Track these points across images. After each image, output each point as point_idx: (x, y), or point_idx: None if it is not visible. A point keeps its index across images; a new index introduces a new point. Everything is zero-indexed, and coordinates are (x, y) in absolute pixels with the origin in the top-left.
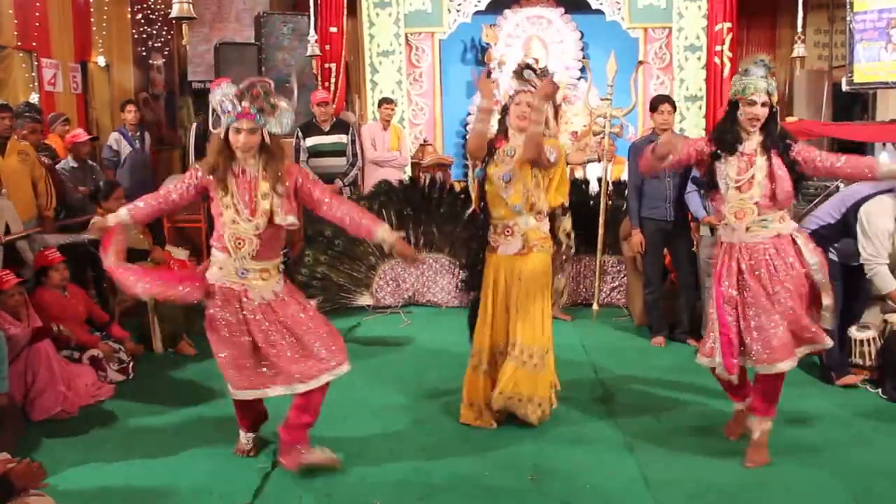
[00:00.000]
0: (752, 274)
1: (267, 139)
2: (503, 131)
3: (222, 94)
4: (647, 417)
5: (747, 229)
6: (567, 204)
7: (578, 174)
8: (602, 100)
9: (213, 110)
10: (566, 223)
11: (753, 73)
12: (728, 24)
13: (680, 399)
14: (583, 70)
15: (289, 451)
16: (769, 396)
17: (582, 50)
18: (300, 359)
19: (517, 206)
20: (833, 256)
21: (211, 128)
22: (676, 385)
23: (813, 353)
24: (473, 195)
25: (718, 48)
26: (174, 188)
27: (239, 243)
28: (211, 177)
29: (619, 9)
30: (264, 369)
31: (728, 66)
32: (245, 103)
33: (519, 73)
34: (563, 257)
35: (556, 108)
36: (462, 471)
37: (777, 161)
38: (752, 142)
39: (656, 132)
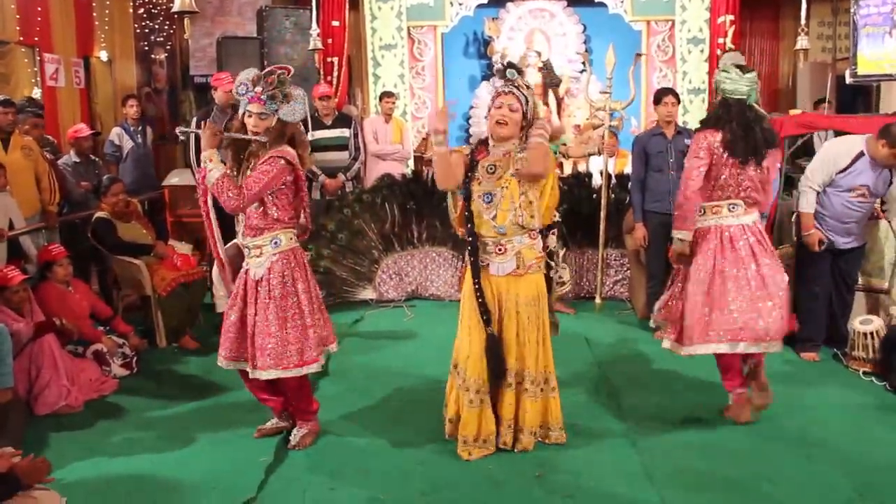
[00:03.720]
0: (745, 251)
1: (272, 123)
2: (484, 141)
3: (242, 79)
4: (651, 411)
5: (740, 214)
6: (557, 218)
7: (581, 167)
8: (601, 93)
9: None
10: (550, 241)
11: (748, 80)
12: (731, 17)
13: (683, 393)
14: (584, 63)
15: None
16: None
17: (584, 43)
18: (255, 344)
19: (501, 227)
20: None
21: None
22: (679, 379)
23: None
24: (455, 216)
25: (721, 40)
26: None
27: (237, 221)
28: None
29: (622, 1)
30: (244, 343)
31: None
32: (258, 88)
33: (502, 73)
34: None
35: (559, 102)
36: (466, 465)
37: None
38: None
39: (660, 125)
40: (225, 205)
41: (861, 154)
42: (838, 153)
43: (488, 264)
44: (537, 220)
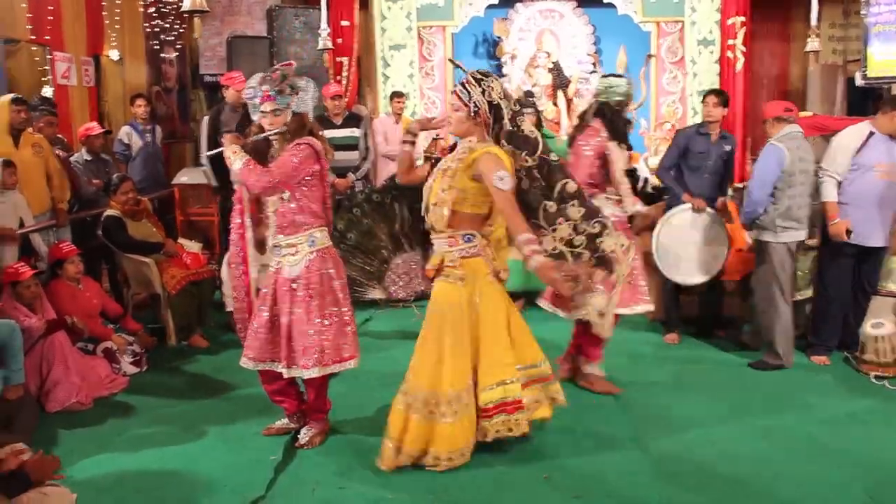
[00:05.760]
0: None
1: (287, 118)
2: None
3: (249, 85)
4: (658, 411)
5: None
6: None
7: None
8: None
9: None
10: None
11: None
12: (741, 18)
13: (690, 393)
14: (594, 64)
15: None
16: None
17: (594, 44)
18: (293, 343)
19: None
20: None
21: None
22: (686, 379)
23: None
24: None
25: (731, 42)
26: None
27: (268, 220)
28: None
29: (632, 2)
30: (275, 343)
31: (742, 60)
32: (265, 87)
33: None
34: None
35: (569, 103)
36: (474, 466)
37: None
38: None
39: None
40: (254, 186)
41: (871, 133)
42: (849, 138)
43: None
44: (443, 221)
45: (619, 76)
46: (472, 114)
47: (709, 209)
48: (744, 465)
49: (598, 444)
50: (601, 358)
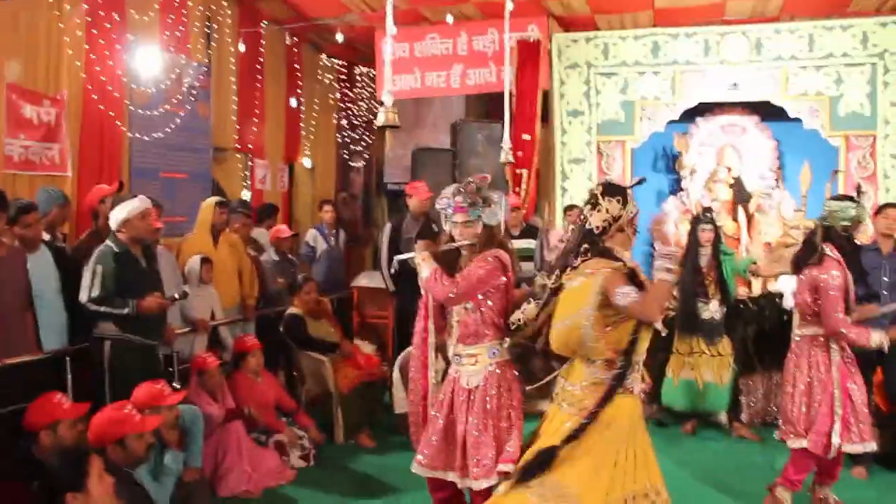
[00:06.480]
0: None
1: (478, 230)
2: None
3: (443, 195)
4: None
5: None
6: None
7: (772, 286)
8: (795, 211)
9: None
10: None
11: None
12: None
13: None
14: (777, 179)
15: None
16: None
17: (778, 159)
18: (468, 454)
19: None
20: None
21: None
22: None
23: None
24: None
25: None
26: None
27: (450, 328)
28: None
29: (818, 116)
30: (449, 452)
31: None
32: (458, 199)
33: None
34: None
35: (749, 218)
36: None
37: None
38: None
39: (876, 239)
40: (439, 295)
41: None
42: None
43: (633, 388)
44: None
45: (848, 198)
46: None
47: None
48: None
49: None
50: (799, 488)
